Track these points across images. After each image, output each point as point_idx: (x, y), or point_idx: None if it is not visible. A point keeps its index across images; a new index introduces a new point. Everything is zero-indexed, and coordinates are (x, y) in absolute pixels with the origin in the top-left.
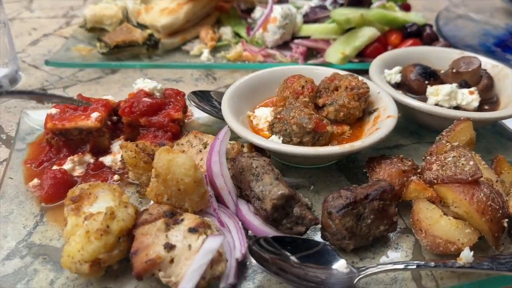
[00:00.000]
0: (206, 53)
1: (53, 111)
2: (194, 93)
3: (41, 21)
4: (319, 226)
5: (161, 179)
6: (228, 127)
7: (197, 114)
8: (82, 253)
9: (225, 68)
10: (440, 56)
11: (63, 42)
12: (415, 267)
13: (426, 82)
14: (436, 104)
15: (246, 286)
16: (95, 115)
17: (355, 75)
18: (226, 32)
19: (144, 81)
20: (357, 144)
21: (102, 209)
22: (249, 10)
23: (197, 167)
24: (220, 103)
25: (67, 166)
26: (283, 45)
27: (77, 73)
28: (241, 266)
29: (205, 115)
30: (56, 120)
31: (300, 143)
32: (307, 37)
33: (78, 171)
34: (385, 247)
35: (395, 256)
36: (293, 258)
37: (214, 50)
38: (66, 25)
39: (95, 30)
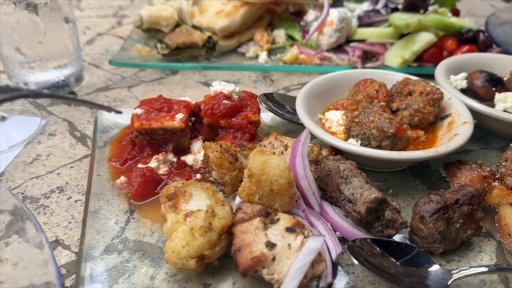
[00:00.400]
0: (263, 56)
1: (139, 111)
2: (265, 95)
3: (92, 20)
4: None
5: (255, 179)
6: (308, 130)
7: (263, 115)
8: (188, 249)
9: (282, 70)
10: (500, 63)
11: (118, 42)
12: (506, 270)
13: (493, 88)
14: (505, 111)
15: (340, 285)
16: (179, 116)
17: (426, 80)
18: (280, 34)
19: (220, 84)
20: (441, 149)
21: (199, 206)
22: (298, 13)
23: (289, 169)
24: (283, 105)
25: (152, 164)
26: (338, 48)
27: (138, 73)
28: (334, 266)
29: (270, 116)
30: (143, 120)
31: (379, 147)
32: (361, 41)
33: (163, 170)
34: (469, 251)
35: (480, 259)
36: (391, 259)
37: (269, 52)
38: (118, 25)
39: (151, 30)
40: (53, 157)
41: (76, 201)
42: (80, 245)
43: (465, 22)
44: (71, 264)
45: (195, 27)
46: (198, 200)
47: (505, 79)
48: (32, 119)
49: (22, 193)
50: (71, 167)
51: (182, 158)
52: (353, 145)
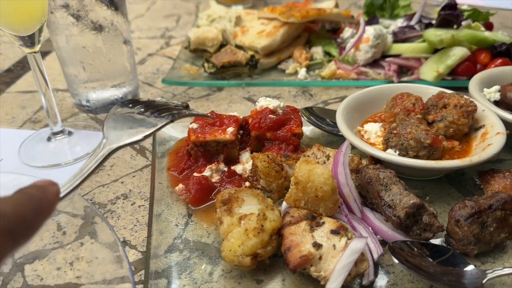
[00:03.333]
0: (303, 72)
1: (194, 126)
2: (306, 109)
3: (142, 41)
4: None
5: (301, 186)
6: (348, 141)
7: (304, 128)
8: (243, 248)
9: (320, 85)
10: None
11: (167, 61)
12: None
13: None
14: None
15: (381, 283)
16: (230, 129)
17: (460, 93)
18: (317, 51)
19: (266, 100)
20: (475, 159)
21: (251, 210)
22: (334, 30)
23: (333, 177)
24: (323, 118)
25: (207, 173)
26: (373, 63)
27: (187, 90)
28: (375, 266)
29: (311, 128)
30: (199, 134)
31: (416, 157)
32: (397, 55)
33: (215, 178)
34: (503, 253)
35: None
36: (429, 259)
37: (308, 68)
38: (166, 45)
39: (198, 51)
40: (116, 167)
41: (139, 206)
42: (147, 244)
43: (498, 35)
44: (138, 262)
45: (238, 46)
46: (250, 205)
47: None
48: (95, 134)
49: (91, 200)
50: (133, 176)
51: (232, 167)
52: (391, 155)
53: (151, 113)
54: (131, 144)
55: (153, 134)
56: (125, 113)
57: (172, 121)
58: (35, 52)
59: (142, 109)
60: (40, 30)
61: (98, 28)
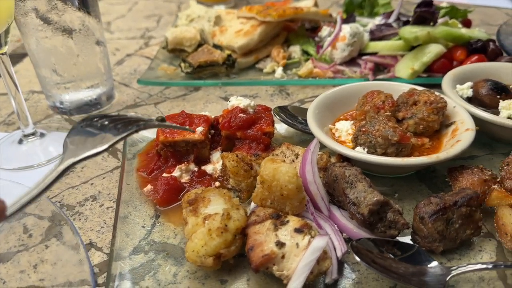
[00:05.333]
0: (279, 71)
1: None
2: (279, 108)
3: (121, 42)
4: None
5: (266, 185)
6: (317, 139)
7: (278, 126)
8: (206, 248)
9: (297, 84)
10: (507, 72)
11: (146, 62)
12: (503, 267)
13: (498, 96)
14: (509, 118)
15: (345, 281)
16: (200, 129)
17: (432, 90)
18: (295, 50)
19: (237, 99)
20: (442, 155)
21: (217, 210)
22: (313, 29)
23: (298, 176)
24: (296, 117)
25: (176, 173)
26: (350, 61)
27: (164, 90)
28: (340, 264)
29: (285, 127)
30: (167, 134)
31: (384, 154)
32: (373, 53)
33: (185, 178)
34: (470, 250)
35: (480, 258)
36: (391, 257)
37: (285, 67)
38: (145, 46)
39: (175, 50)
40: (87, 169)
41: (107, 208)
42: (111, 246)
43: (475, 32)
44: (103, 264)
45: (216, 46)
46: (216, 204)
47: (510, 86)
48: None
49: (59, 202)
50: (103, 178)
51: (203, 167)
52: (358, 152)
53: (114, 125)
54: (90, 157)
55: (112, 145)
56: (88, 126)
57: (136, 131)
58: (2, 54)
59: (107, 122)
60: (7, 32)
61: (68, 30)
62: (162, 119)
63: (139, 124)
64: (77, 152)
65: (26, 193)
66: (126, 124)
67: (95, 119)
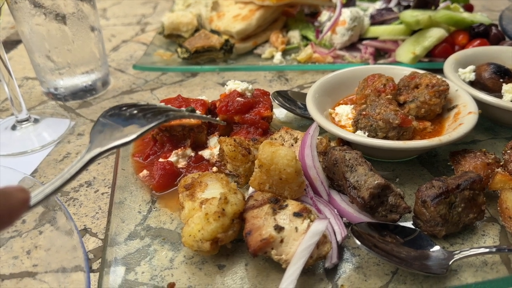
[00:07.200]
0: (278, 56)
1: None
2: (277, 92)
3: (117, 28)
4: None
5: (265, 169)
6: (317, 123)
7: (277, 112)
8: (203, 232)
9: (296, 69)
10: (510, 56)
11: (142, 48)
12: (506, 251)
13: (501, 80)
14: None
15: (346, 266)
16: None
17: (433, 73)
18: (294, 35)
19: (234, 83)
20: (444, 138)
21: (214, 195)
22: (313, 14)
23: (297, 159)
24: (295, 101)
25: (172, 158)
26: (350, 46)
27: (160, 76)
28: (339, 248)
29: (284, 112)
30: None
31: (385, 138)
32: (374, 38)
33: (182, 163)
34: (473, 234)
35: (483, 242)
36: (394, 241)
37: (284, 52)
38: (141, 32)
39: (172, 36)
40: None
41: (102, 193)
42: (106, 231)
43: (477, 16)
44: (98, 250)
45: (213, 31)
46: (213, 189)
47: None
48: (62, 121)
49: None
50: (98, 163)
51: (200, 152)
52: (359, 136)
53: (144, 115)
54: (118, 147)
55: (141, 135)
56: (116, 115)
57: (165, 121)
58: None
59: (136, 111)
60: None
61: (62, 14)
62: (192, 110)
63: (168, 114)
64: (104, 142)
65: (50, 183)
66: (156, 114)
67: (124, 108)
